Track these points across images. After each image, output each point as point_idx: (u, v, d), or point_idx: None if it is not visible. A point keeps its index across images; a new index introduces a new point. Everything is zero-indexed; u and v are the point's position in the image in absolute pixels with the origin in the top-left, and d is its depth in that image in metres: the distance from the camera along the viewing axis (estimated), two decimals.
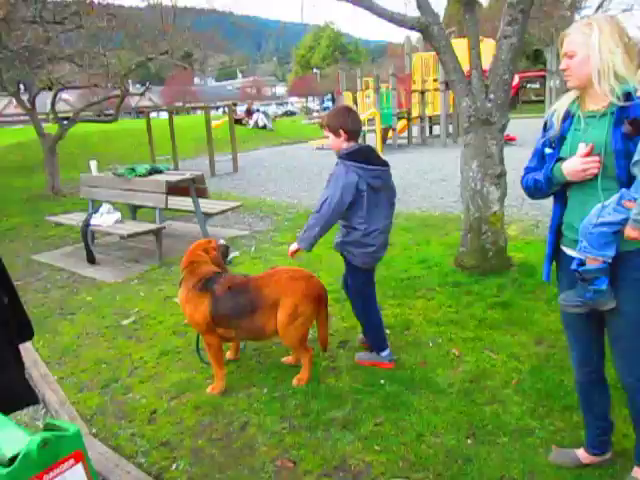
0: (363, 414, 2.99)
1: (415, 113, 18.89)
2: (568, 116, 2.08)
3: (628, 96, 1.89)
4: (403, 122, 19.13)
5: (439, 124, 18.79)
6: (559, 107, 2.12)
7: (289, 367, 3.56)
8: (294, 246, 3.33)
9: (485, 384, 3.19)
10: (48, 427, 1.03)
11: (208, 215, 7.00)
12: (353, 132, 3.27)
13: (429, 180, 10.93)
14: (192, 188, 6.68)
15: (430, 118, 19.96)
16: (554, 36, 32.06)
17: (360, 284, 3.50)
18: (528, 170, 2.27)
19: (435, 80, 18.26)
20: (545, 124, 2.20)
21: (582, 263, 2.02)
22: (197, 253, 3.48)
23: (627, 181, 1.89)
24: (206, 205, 7.12)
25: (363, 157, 3.22)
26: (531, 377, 3.20)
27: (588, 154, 1.95)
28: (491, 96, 4.49)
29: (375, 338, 3.55)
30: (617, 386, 2.89)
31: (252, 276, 3.50)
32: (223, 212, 7.30)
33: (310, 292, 3.31)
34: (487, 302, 4.25)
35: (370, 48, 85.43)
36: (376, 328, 3.56)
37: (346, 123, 3.25)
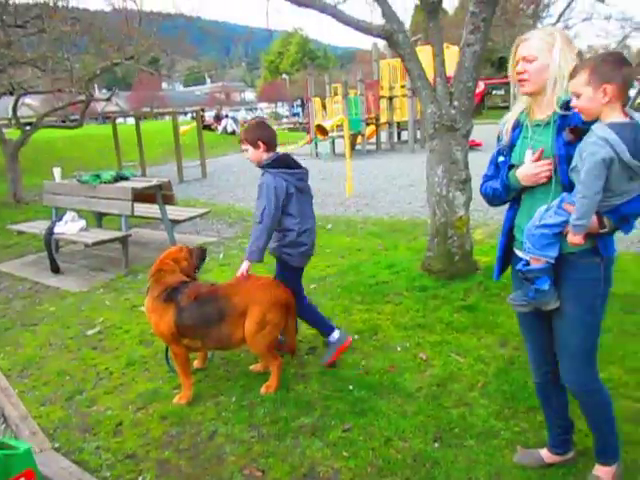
0: (332, 420, 2.99)
1: (383, 119, 19.06)
2: (517, 125, 2.18)
3: (567, 105, 1.98)
4: (372, 128, 19.27)
5: (407, 130, 18.99)
6: (509, 118, 2.22)
7: (257, 375, 3.53)
8: (245, 265, 3.39)
9: (452, 387, 3.23)
10: None
11: (176, 222, 6.92)
12: (270, 142, 3.48)
13: (397, 185, 11.03)
14: (159, 195, 6.60)
15: (398, 124, 20.18)
16: None
17: (295, 284, 3.60)
18: (486, 178, 2.36)
19: (403, 86, 18.45)
20: (499, 135, 2.28)
21: (527, 263, 2.10)
22: (165, 262, 3.44)
23: (568, 185, 1.99)
24: (173, 212, 7.04)
25: (285, 163, 3.46)
26: (496, 379, 3.25)
27: (538, 159, 2.04)
28: (455, 103, 4.56)
29: (320, 325, 3.69)
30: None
31: (219, 285, 3.48)
32: (191, 219, 7.23)
33: (278, 300, 3.30)
34: (454, 306, 4.30)
35: (339, 54, 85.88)
36: (316, 316, 3.70)
37: (263, 135, 3.47)
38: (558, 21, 32.63)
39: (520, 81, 2.08)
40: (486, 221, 7.23)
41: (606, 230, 1.97)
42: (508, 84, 24.29)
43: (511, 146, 2.19)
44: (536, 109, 2.11)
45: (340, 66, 64.98)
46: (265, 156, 3.45)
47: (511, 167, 2.18)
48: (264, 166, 3.45)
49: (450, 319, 4.10)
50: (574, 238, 1.94)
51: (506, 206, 2.34)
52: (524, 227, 2.12)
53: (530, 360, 2.45)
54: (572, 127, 1.96)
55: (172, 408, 3.25)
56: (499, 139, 2.28)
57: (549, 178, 2.04)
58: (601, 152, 1.82)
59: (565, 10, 32.27)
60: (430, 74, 4.72)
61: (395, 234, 6.88)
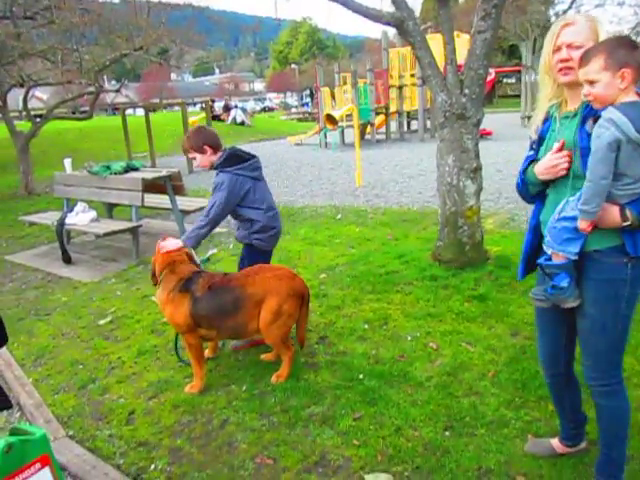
0: (342, 409, 3.00)
1: (393, 108, 18.94)
2: (548, 119, 2.10)
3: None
4: (381, 117, 19.18)
5: (417, 119, 18.88)
6: (539, 111, 2.13)
7: (268, 364, 3.55)
8: (176, 243, 3.48)
9: (462, 377, 3.22)
10: (14, 432, 1.01)
11: (186, 212, 6.94)
12: (215, 144, 3.62)
13: (407, 175, 10.98)
14: (169, 185, 6.62)
15: (408, 113, 20.05)
16: (529, 31, 32.53)
17: None
18: (520, 174, 2.25)
19: (412, 75, 18.32)
20: (530, 135, 2.21)
21: (550, 258, 2.02)
22: (176, 254, 3.43)
23: None
24: (183, 202, 7.06)
25: (236, 158, 3.58)
26: (507, 369, 3.24)
27: (560, 150, 1.96)
28: (466, 91, 4.52)
29: None
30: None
31: (234, 274, 3.49)
32: (201, 209, 7.21)
33: (294, 291, 3.30)
34: (464, 295, 4.28)
35: (348, 43, 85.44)
36: None
37: (207, 139, 3.61)
38: (570, 7, 32.20)
39: (563, 69, 1.94)
40: (497, 210, 7.17)
41: (629, 223, 1.84)
42: (519, 72, 24.03)
43: (540, 140, 2.11)
44: (569, 101, 2.02)
45: (349, 55, 64.63)
46: (214, 158, 3.60)
47: (535, 161, 2.11)
48: (217, 167, 3.58)
49: (461, 309, 4.08)
50: (581, 223, 1.86)
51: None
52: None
53: (542, 357, 2.37)
54: (596, 117, 1.86)
55: (184, 397, 3.28)
56: (531, 137, 2.20)
57: (568, 170, 1.96)
58: (606, 134, 1.75)
59: None
60: (440, 63, 4.68)
61: (405, 224, 6.85)
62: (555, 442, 2.50)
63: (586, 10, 31.62)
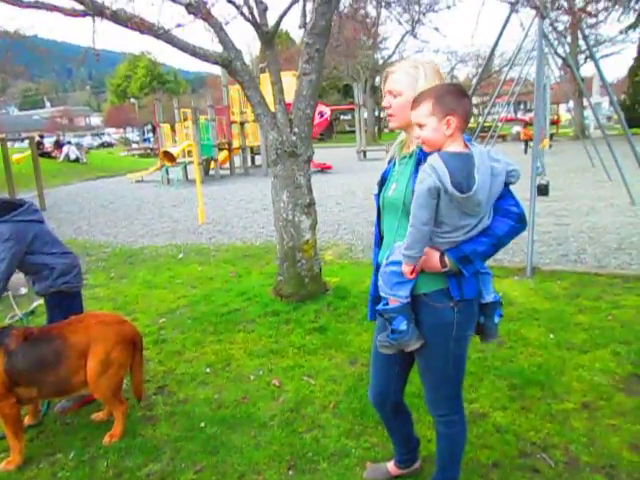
0: (182, 463, 2.83)
1: (236, 144, 19.11)
2: (392, 160, 2.13)
3: None
4: (224, 153, 19.22)
5: (260, 154, 19.23)
6: (390, 153, 2.16)
7: (100, 424, 3.24)
8: None
9: (305, 411, 3.23)
10: None
11: None
12: None
13: (251, 210, 11.06)
14: None
15: (251, 149, 20.37)
16: (360, 73, 35.13)
17: (80, 309, 3.55)
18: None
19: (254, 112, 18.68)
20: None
21: (387, 303, 2.01)
22: None
23: None
24: None
25: (10, 205, 3.28)
26: (347, 398, 3.32)
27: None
28: (295, 129, 4.68)
29: None
30: (421, 394, 3.14)
31: (55, 324, 3.16)
32: None
33: (124, 337, 3.07)
34: (305, 328, 4.35)
35: (190, 79, 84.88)
36: None
37: None
38: (394, 53, 35.51)
39: (388, 116, 2.02)
40: (336, 242, 7.48)
41: (447, 269, 1.89)
42: (354, 110, 25.73)
43: (383, 180, 2.12)
44: (409, 143, 2.06)
45: (192, 90, 64.22)
46: None
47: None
48: None
49: (302, 342, 4.13)
50: (404, 268, 1.89)
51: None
52: None
53: (372, 399, 2.38)
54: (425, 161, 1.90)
55: None
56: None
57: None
58: (427, 180, 1.76)
59: (399, 44, 35.28)
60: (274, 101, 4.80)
61: (248, 259, 6.85)
62: (390, 465, 2.59)
63: (408, 55, 35.16)
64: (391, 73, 1.99)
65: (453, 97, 1.81)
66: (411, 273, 1.89)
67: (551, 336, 4.00)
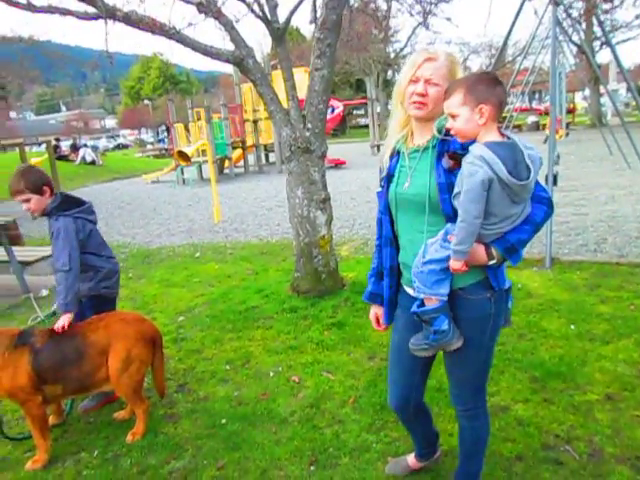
0: (204, 460, 2.85)
1: (250, 142, 19.15)
2: (395, 154, 2.04)
3: (448, 130, 1.86)
4: (238, 151, 19.28)
5: (274, 151, 19.25)
6: (386, 149, 2.08)
7: (123, 423, 3.28)
8: (67, 317, 3.08)
9: (325, 407, 3.24)
10: None
11: (26, 264, 6.31)
12: (52, 185, 3.32)
13: (266, 207, 11.08)
14: (3, 235, 6.00)
15: (265, 146, 20.40)
16: (372, 67, 34.97)
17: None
18: (379, 210, 2.20)
19: (266, 109, 18.69)
20: (380, 167, 2.14)
21: (422, 304, 1.95)
22: None
23: (452, 215, 1.84)
24: (22, 253, 6.42)
25: (75, 202, 3.33)
26: (366, 393, 3.32)
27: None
28: (309, 125, 4.67)
29: None
30: (442, 388, 3.13)
31: (77, 323, 3.20)
32: (44, 259, 6.63)
33: (143, 335, 3.11)
34: (323, 324, 4.35)
35: (202, 78, 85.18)
36: None
37: (45, 178, 3.29)
38: (406, 45, 35.26)
39: (417, 103, 1.87)
40: (352, 237, 7.47)
41: (494, 262, 1.84)
42: (366, 104, 25.65)
43: (389, 176, 2.04)
44: (416, 135, 1.98)
45: (204, 90, 64.48)
46: (49, 200, 3.24)
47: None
48: (52, 211, 3.22)
49: (320, 338, 4.13)
50: (455, 264, 1.81)
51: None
52: (411, 264, 1.96)
53: (394, 396, 2.31)
54: (451, 153, 1.84)
55: (25, 474, 2.90)
56: (381, 171, 2.13)
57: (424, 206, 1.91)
58: (479, 172, 1.70)
59: (411, 36, 35.04)
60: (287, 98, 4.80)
61: (264, 257, 6.87)
62: (411, 459, 2.58)
63: (420, 48, 34.92)
64: (432, 59, 1.86)
65: (485, 85, 1.76)
66: (463, 267, 1.83)
67: (572, 327, 3.95)
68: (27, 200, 3.19)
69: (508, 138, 1.80)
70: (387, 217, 2.10)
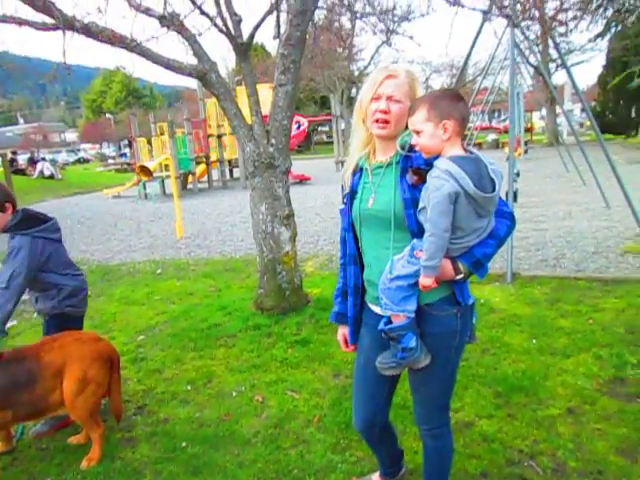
0: None
1: (214, 157, 19.02)
2: (358, 170, 2.03)
3: (411, 146, 1.87)
4: (202, 166, 19.12)
5: (238, 167, 19.16)
6: (348, 164, 2.06)
7: (78, 448, 3.13)
8: None
9: (289, 426, 3.17)
10: None
11: None
12: (15, 202, 3.18)
13: (229, 223, 10.97)
14: None
15: (229, 161, 20.29)
16: (337, 84, 35.35)
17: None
18: (342, 227, 2.17)
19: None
20: (342, 184, 2.12)
21: (389, 321, 1.92)
22: None
23: (418, 230, 1.84)
24: None
25: (35, 219, 3.18)
26: (331, 411, 3.27)
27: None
28: (273, 141, 4.64)
29: None
30: (406, 405, 3.11)
31: (29, 345, 3.06)
32: None
33: (100, 355, 2.99)
34: (287, 341, 4.29)
35: (166, 93, 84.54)
36: None
37: (8, 195, 3.15)
38: (369, 64, 35.84)
39: (380, 120, 1.87)
40: (317, 253, 7.44)
41: (462, 277, 1.84)
42: (331, 121, 25.85)
43: (352, 193, 2.02)
44: (378, 152, 1.98)
45: (168, 104, 63.94)
46: (10, 217, 3.10)
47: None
48: (11, 229, 3.08)
49: (284, 355, 4.07)
50: (425, 280, 1.79)
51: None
52: (377, 281, 1.94)
53: (359, 416, 2.26)
54: (415, 168, 1.84)
55: None
56: (343, 189, 2.11)
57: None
58: (445, 185, 1.70)
59: (374, 54, 35.61)
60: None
61: (228, 273, 6.76)
62: (376, 478, 2.54)
63: (383, 66, 35.51)
64: (393, 77, 1.87)
65: (448, 101, 1.78)
66: (434, 284, 1.81)
67: (534, 341, 4.00)
68: None
69: (471, 153, 1.81)
70: (351, 234, 2.08)
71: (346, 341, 2.28)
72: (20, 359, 2.86)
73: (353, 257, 2.09)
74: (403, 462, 2.56)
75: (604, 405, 3.10)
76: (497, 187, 1.78)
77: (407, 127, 1.87)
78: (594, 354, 3.72)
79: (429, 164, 1.81)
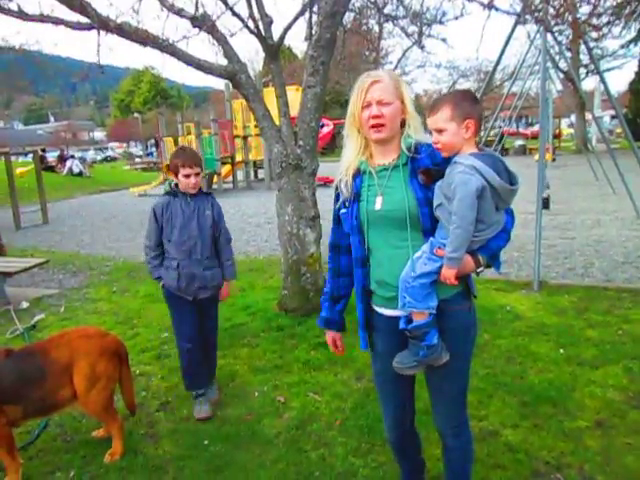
0: None
1: (239, 158, 19.15)
2: (358, 174, 2.02)
3: (417, 148, 1.92)
4: (227, 167, 19.26)
5: (263, 168, 19.26)
6: (347, 168, 2.04)
7: (101, 442, 3.17)
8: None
9: (311, 428, 3.16)
10: None
11: (7, 275, 6.18)
12: None
13: (254, 224, 11.02)
14: None
15: (254, 162, 20.40)
16: None
17: None
18: (332, 231, 2.21)
19: (257, 126, 18.72)
20: (336, 189, 2.11)
21: (409, 320, 1.92)
22: None
23: (431, 228, 1.88)
24: (3, 264, 6.30)
25: None
26: (353, 415, 3.25)
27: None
28: (300, 142, 4.65)
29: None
30: (429, 411, 3.07)
31: (37, 342, 3.11)
32: (25, 270, 6.50)
33: (106, 350, 3.01)
34: (310, 343, 4.28)
35: (193, 93, 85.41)
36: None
37: None
38: (396, 67, 35.78)
39: (376, 126, 1.90)
40: None
41: (482, 269, 1.88)
42: None
43: (356, 195, 2.01)
44: (377, 156, 2.00)
45: (194, 105, 64.58)
46: None
47: (356, 217, 2.01)
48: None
49: (307, 357, 4.06)
50: (447, 272, 1.82)
51: None
52: (390, 281, 1.95)
53: (388, 421, 2.26)
54: (424, 169, 1.89)
55: None
56: (337, 195, 2.10)
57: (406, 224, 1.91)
58: (472, 180, 1.76)
59: (401, 58, 35.51)
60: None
61: (252, 273, 6.78)
62: None
63: (409, 70, 35.34)
64: (378, 82, 1.90)
65: (470, 102, 1.87)
66: (455, 278, 1.84)
67: (561, 351, 3.93)
68: None
69: (484, 150, 1.89)
70: (357, 237, 2.04)
71: (336, 345, 2.33)
72: (30, 355, 2.90)
73: (360, 260, 2.06)
74: (425, 473, 2.51)
75: (634, 419, 3.02)
76: (519, 179, 1.87)
77: (402, 126, 1.95)
78: (624, 366, 3.63)
79: (436, 164, 1.89)
